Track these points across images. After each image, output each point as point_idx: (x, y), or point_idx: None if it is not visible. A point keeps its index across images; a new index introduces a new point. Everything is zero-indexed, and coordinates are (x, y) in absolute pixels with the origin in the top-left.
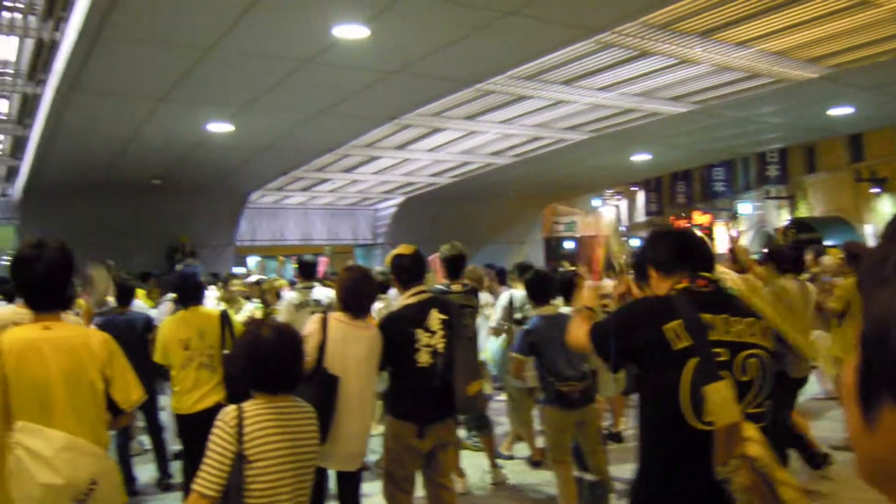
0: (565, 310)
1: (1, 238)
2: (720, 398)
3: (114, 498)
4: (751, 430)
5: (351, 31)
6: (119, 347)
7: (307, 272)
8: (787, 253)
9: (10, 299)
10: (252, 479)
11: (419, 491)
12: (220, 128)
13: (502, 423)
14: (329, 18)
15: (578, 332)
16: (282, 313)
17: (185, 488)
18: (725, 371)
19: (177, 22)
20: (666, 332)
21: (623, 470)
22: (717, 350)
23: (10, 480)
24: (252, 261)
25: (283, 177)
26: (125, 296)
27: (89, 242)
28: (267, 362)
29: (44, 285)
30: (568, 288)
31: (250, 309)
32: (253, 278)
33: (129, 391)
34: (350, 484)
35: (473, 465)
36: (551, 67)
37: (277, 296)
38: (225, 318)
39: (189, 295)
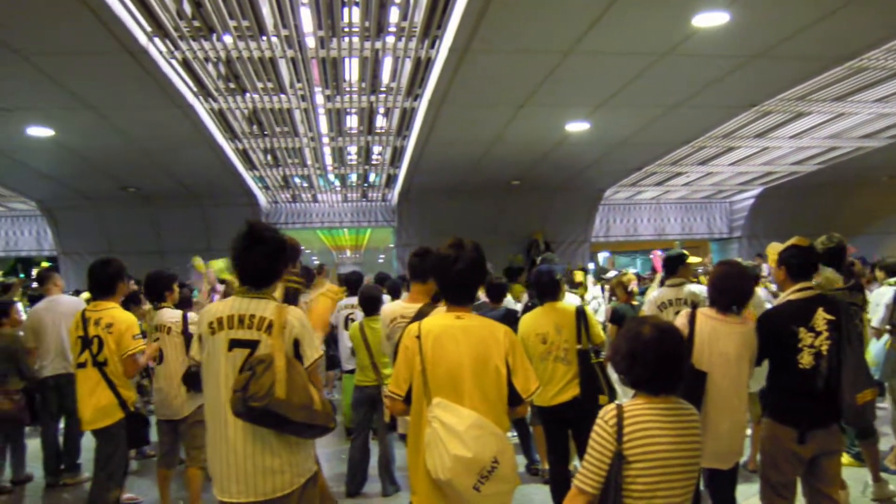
0: None
1: (380, 239)
2: None
3: (511, 478)
4: None
5: (711, 19)
6: (518, 339)
7: (671, 267)
8: None
9: (395, 295)
10: (631, 479)
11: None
12: (577, 127)
13: (885, 433)
14: (690, 8)
15: None
16: (646, 312)
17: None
18: None
19: (538, 30)
20: None
21: None
22: None
23: (426, 448)
24: (602, 256)
25: (637, 172)
26: (497, 293)
27: None
28: (648, 362)
29: (462, 281)
30: None
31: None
32: (610, 274)
33: (528, 381)
34: (724, 482)
35: (853, 478)
36: None
37: (626, 290)
38: (581, 314)
39: (545, 291)
